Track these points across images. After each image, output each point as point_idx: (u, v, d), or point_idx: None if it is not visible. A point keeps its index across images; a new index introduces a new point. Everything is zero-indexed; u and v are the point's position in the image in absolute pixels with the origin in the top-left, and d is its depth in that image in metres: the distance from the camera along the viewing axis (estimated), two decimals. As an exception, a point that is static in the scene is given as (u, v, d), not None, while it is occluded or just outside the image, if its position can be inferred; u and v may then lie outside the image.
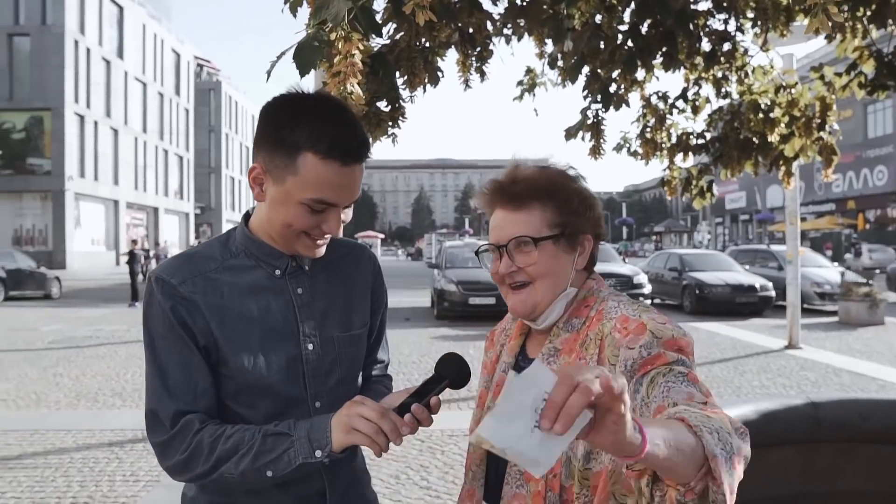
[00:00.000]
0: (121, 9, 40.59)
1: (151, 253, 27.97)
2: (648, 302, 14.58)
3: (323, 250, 1.18)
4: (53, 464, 4.63)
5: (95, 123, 37.53)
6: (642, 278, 15.38)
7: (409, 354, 9.16)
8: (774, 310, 14.13)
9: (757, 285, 14.19)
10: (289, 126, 1.07)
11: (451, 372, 1.12)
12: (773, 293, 14.07)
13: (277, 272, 1.18)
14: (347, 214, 1.17)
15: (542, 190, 1.16)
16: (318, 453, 1.07)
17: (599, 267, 1.23)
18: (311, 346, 1.18)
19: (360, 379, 1.29)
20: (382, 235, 60.81)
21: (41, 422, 5.74)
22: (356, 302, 1.27)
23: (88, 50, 36.74)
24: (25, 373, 7.84)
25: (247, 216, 1.22)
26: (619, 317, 1.08)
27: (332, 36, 1.27)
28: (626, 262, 18.93)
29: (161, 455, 1.11)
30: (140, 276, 17.63)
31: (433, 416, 1.10)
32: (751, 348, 9.71)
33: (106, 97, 38.84)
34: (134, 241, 19.46)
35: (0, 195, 34.58)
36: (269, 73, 1.34)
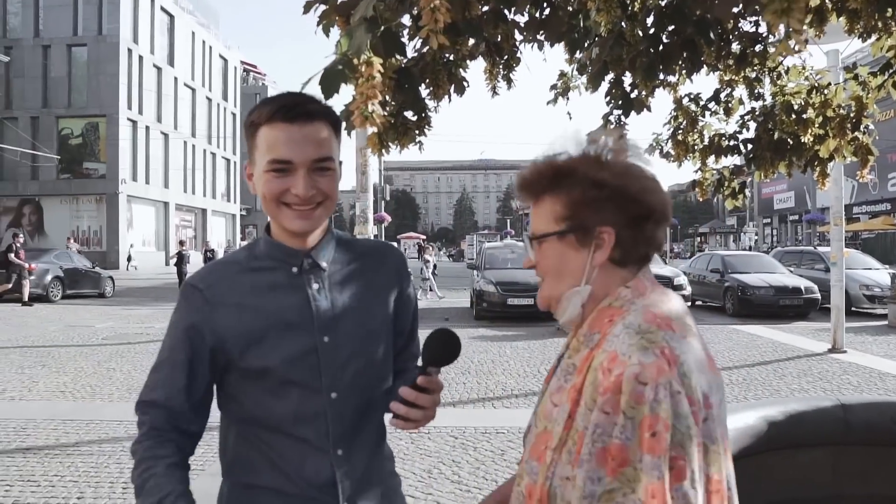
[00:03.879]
0: (172, 17, 41.97)
1: (219, 250, 28.04)
2: (689, 304, 14.35)
3: (309, 223, 1.23)
4: (107, 451, 4.92)
5: (147, 129, 38.89)
6: (682, 280, 15.17)
7: (446, 354, 9.27)
8: (820, 312, 13.76)
9: (802, 287, 13.85)
10: (250, 118, 1.23)
11: (429, 351, 1.22)
12: (818, 295, 13.71)
13: (295, 269, 1.27)
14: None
15: (549, 181, 1.07)
16: None
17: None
18: (326, 339, 1.25)
19: (383, 373, 1.34)
20: (424, 237, 61.19)
21: (96, 413, 6.07)
22: (376, 298, 1.32)
23: (141, 58, 38.13)
24: (81, 367, 8.26)
25: (269, 224, 1.33)
26: (610, 352, 0.95)
27: (356, 61, 1.40)
28: (667, 264, 18.67)
29: None
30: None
31: (430, 393, 1.20)
32: (792, 351, 9.52)
33: (157, 103, 40.23)
34: (181, 243, 19.99)
35: (59, 198, 36.22)
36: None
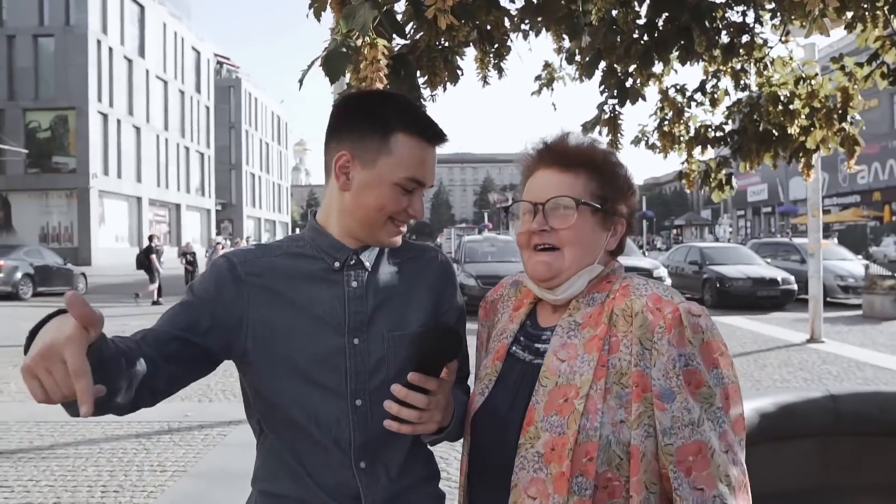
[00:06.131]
0: (142, 8, 41.09)
1: (209, 251, 25.23)
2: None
3: (400, 239, 1.22)
4: (84, 454, 4.77)
5: (118, 122, 38.07)
6: (662, 272, 15.26)
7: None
8: (797, 303, 13.97)
9: (779, 278, 14.04)
10: (380, 111, 1.14)
11: (422, 349, 1.10)
12: (795, 286, 13.93)
13: (336, 264, 1.19)
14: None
15: (592, 159, 1.14)
16: None
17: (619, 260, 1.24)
18: (356, 341, 1.17)
19: None
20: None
21: (71, 414, 5.90)
22: (416, 302, 1.24)
23: (111, 49, 37.26)
24: (55, 366, 8.04)
25: (315, 212, 1.26)
26: (650, 295, 1.04)
27: (359, 42, 1.32)
28: (646, 256, 18.82)
29: None
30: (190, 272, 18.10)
31: (427, 393, 1.07)
32: (772, 342, 9.63)
33: (128, 95, 39.38)
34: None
35: (27, 193, 35.31)
36: (301, 81, 1.39)
